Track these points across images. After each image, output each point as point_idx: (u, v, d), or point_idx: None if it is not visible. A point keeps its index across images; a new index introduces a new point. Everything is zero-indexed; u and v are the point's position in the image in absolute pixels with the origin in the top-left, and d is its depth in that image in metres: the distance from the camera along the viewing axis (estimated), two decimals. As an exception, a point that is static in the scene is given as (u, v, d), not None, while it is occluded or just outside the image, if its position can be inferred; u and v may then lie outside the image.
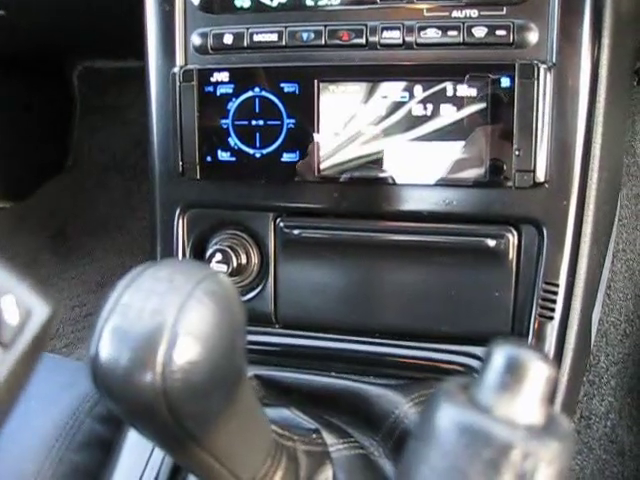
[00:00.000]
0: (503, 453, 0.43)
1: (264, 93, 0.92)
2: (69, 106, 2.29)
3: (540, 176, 0.86)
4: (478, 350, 0.94)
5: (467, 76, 0.86)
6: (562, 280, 0.90)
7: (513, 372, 0.45)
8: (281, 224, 0.97)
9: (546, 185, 0.87)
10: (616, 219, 1.27)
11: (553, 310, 0.90)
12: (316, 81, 0.90)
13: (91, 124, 2.25)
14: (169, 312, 0.50)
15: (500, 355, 0.45)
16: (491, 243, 0.91)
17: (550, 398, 0.45)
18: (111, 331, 0.50)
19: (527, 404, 0.44)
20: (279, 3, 0.93)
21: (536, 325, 0.91)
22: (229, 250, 0.96)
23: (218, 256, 0.96)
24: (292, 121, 0.92)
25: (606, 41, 0.89)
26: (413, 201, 0.91)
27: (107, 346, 0.50)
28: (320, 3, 0.92)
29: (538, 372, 0.45)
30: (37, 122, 2.26)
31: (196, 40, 0.96)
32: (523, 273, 0.91)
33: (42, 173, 2.27)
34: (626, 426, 1.31)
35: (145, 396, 0.49)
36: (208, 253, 0.97)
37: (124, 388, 0.50)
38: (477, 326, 0.94)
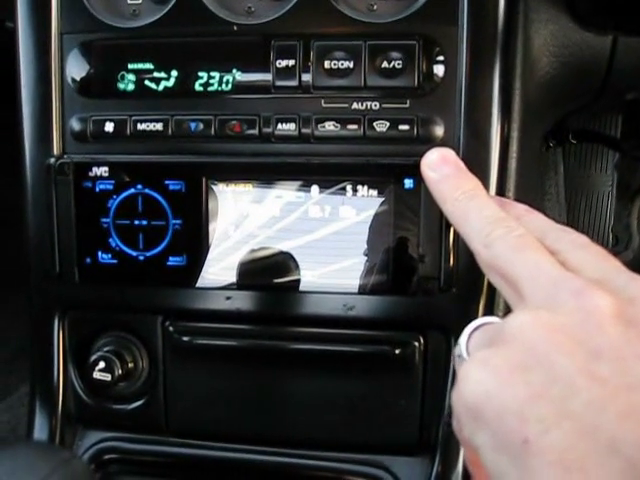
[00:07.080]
0: None
1: (147, 191, 0.84)
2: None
3: (447, 282, 0.81)
4: (385, 459, 0.88)
5: (367, 178, 0.80)
6: None
7: None
8: (170, 328, 0.89)
9: (453, 290, 0.82)
10: None
11: None
12: (204, 179, 0.83)
13: None
14: None
15: None
16: (396, 350, 0.85)
17: None
18: None
19: None
20: (165, 87, 0.85)
21: (445, 435, 0.85)
22: (113, 357, 0.88)
23: (101, 364, 0.87)
24: (178, 222, 0.84)
25: (515, 134, 0.84)
26: (311, 306, 0.84)
27: None
28: (210, 89, 0.84)
29: None
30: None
31: (75, 126, 0.87)
32: (430, 381, 0.86)
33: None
34: None
35: None
36: (90, 360, 0.88)
37: None
38: (383, 436, 0.88)
